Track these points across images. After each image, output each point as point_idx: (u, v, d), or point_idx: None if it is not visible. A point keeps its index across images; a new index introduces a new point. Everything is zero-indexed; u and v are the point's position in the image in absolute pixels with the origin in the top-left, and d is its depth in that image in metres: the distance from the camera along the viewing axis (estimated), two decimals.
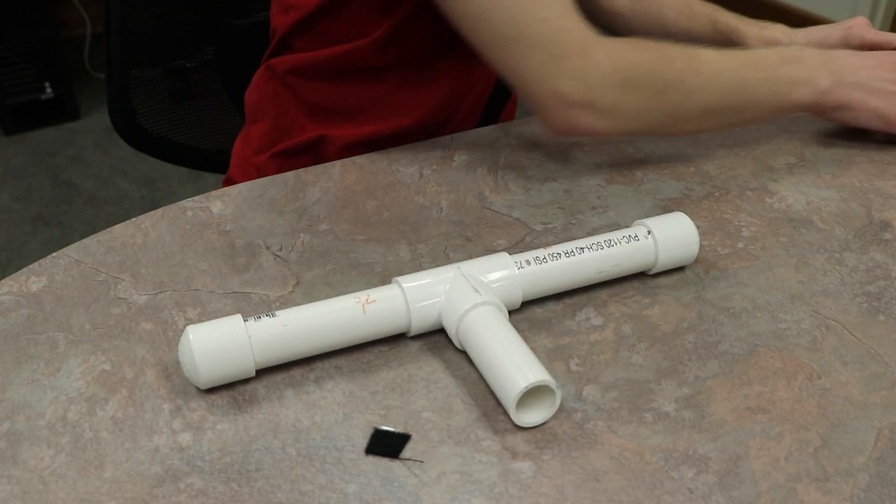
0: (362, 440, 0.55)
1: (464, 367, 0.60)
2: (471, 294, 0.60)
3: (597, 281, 0.66)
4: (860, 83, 0.80)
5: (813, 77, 0.79)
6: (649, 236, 0.66)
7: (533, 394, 0.56)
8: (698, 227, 0.68)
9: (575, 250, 0.64)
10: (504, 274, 0.62)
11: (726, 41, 0.94)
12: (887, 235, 0.74)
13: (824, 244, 0.73)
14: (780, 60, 0.79)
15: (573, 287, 0.66)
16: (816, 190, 0.81)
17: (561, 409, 0.57)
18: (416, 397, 0.58)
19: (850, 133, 0.90)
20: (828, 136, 0.89)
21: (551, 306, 0.66)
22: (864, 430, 0.56)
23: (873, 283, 0.69)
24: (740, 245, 0.73)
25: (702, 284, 0.68)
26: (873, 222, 0.76)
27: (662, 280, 0.68)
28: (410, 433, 0.51)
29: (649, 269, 0.68)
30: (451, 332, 0.60)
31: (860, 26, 0.91)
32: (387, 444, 0.51)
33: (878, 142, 0.88)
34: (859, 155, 0.86)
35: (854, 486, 0.52)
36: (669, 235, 0.66)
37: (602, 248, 0.65)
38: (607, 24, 1.02)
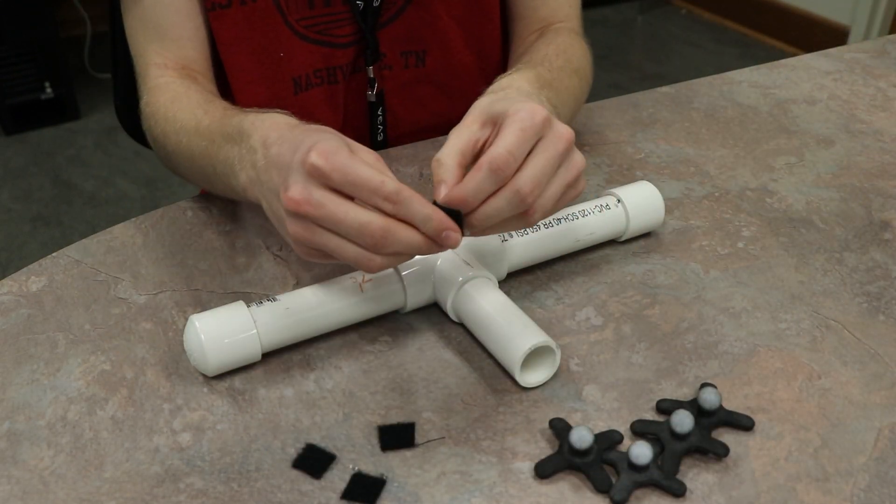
0: (362, 440, 0.55)
1: (464, 367, 0.60)
2: (463, 267, 0.63)
3: (575, 249, 0.70)
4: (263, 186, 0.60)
5: (241, 166, 0.62)
6: (619, 204, 0.70)
7: (534, 356, 0.58)
8: (698, 228, 0.68)
9: (552, 221, 0.68)
10: (490, 248, 0.65)
11: None
12: (887, 235, 0.74)
13: (824, 244, 0.73)
14: (222, 137, 0.65)
15: (554, 256, 0.69)
16: (816, 190, 0.80)
17: (561, 408, 0.57)
18: (416, 397, 0.58)
19: (850, 133, 0.90)
20: (828, 136, 0.89)
21: (551, 306, 0.66)
22: (864, 430, 0.56)
23: (873, 283, 0.69)
24: (740, 245, 0.73)
25: (702, 284, 0.68)
26: (873, 222, 0.76)
27: (662, 280, 0.68)
28: (386, 477, 0.52)
29: (620, 236, 0.71)
30: (446, 305, 0.63)
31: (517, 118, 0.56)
32: (365, 489, 0.52)
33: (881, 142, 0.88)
34: (859, 155, 0.86)
35: (854, 486, 0.52)
36: (638, 202, 0.70)
37: (577, 219, 0.69)
38: None
